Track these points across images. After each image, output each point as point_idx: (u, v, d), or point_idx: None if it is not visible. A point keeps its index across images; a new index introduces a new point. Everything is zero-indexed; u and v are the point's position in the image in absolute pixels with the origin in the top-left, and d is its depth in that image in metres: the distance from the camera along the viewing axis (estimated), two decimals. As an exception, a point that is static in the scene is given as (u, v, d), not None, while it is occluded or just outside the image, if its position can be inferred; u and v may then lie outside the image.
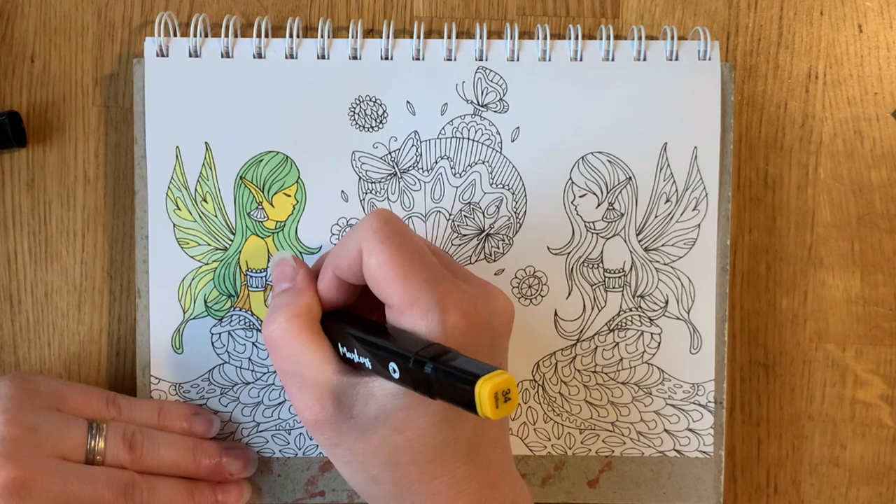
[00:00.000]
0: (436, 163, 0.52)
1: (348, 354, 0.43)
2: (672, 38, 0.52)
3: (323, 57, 0.52)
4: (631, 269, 0.52)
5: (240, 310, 0.52)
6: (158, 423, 0.50)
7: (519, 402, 0.50)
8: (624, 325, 0.53)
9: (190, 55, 0.51)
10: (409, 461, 0.42)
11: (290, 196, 0.52)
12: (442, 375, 0.37)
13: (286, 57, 0.52)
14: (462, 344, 0.41)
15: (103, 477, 0.47)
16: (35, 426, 0.46)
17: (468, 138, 0.52)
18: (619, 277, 0.53)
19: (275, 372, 0.52)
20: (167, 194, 0.51)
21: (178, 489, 0.49)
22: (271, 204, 0.52)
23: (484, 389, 0.35)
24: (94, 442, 0.48)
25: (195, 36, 0.51)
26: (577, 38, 0.52)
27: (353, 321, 0.44)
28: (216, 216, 0.52)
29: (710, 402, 0.53)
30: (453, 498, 0.42)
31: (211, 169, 0.52)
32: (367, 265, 0.42)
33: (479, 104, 0.52)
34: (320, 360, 0.43)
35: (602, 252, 0.52)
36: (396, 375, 0.40)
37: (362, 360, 0.42)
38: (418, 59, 0.52)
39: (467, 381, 0.36)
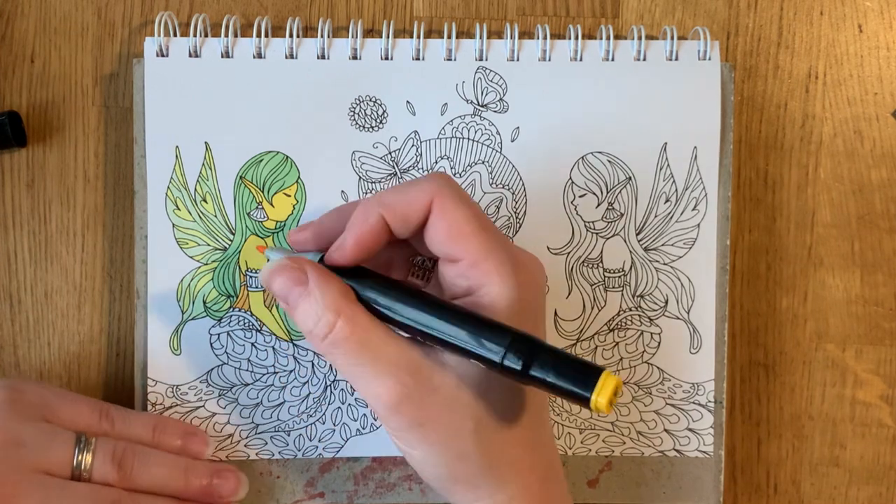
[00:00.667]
0: (436, 163, 0.52)
1: (416, 338, 0.42)
2: (672, 38, 0.52)
3: (323, 57, 0.52)
4: (631, 268, 0.52)
5: (239, 310, 0.52)
6: (152, 440, 0.49)
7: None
8: (624, 324, 0.53)
9: (190, 55, 0.51)
10: (494, 428, 0.41)
11: (290, 196, 0.52)
12: (549, 374, 0.38)
13: (286, 57, 0.52)
14: (528, 299, 0.41)
15: (87, 493, 0.46)
16: (20, 439, 0.46)
17: (468, 138, 0.52)
18: (619, 277, 0.53)
19: (275, 373, 0.52)
20: (167, 194, 0.51)
21: None
22: (271, 204, 0.52)
23: (608, 386, 0.37)
24: (82, 456, 0.46)
25: (195, 36, 0.51)
26: (577, 38, 0.52)
27: (387, 288, 0.42)
28: (216, 216, 0.52)
29: (709, 401, 0.53)
30: (531, 466, 0.42)
31: (211, 169, 0.51)
32: (442, 219, 0.41)
33: (479, 104, 0.52)
34: (383, 339, 0.41)
35: (602, 252, 0.52)
36: (480, 364, 0.40)
37: (431, 344, 0.41)
38: (418, 59, 0.52)
39: (587, 377, 0.37)
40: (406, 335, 0.42)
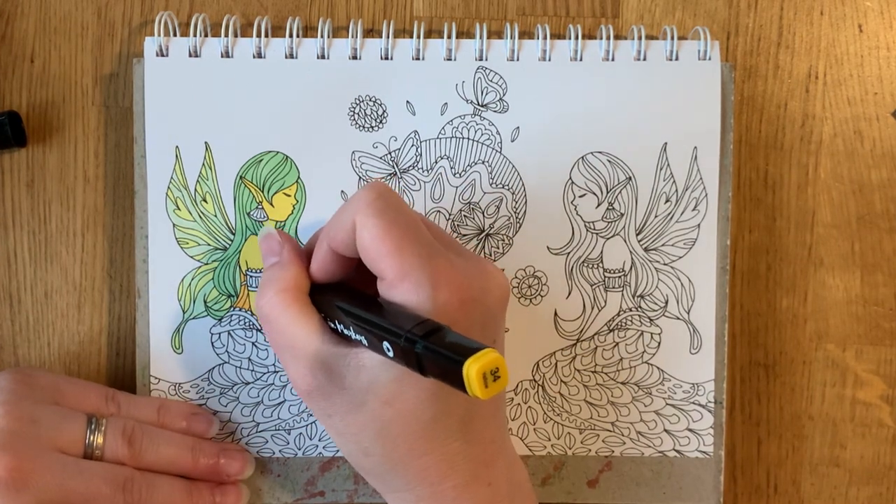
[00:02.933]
0: (436, 163, 0.52)
1: (341, 329, 0.43)
2: (672, 38, 0.52)
3: (323, 57, 0.52)
4: (631, 269, 0.52)
5: (239, 310, 0.52)
6: (158, 421, 0.50)
7: (516, 395, 0.50)
8: (624, 325, 0.53)
9: (190, 55, 0.51)
10: (398, 434, 0.42)
11: (289, 196, 0.52)
12: (432, 354, 0.37)
13: (286, 57, 0.52)
14: (453, 320, 0.40)
15: (101, 472, 0.47)
16: (34, 418, 0.46)
17: (468, 138, 0.52)
18: (619, 277, 0.53)
19: (275, 372, 0.52)
20: (167, 194, 0.51)
21: (177, 487, 0.49)
22: (271, 204, 0.52)
23: (472, 369, 0.35)
24: (93, 437, 0.47)
25: (195, 36, 0.51)
26: (577, 38, 0.52)
27: (345, 294, 0.44)
28: (216, 216, 0.52)
29: (709, 402, 0.53)
30: (444, 474, 0.42)
31: (211, 169, 0.52)
32: (361, 238, 0.42)
33: (478, 104, 0.52)
34: (309, 332, 0.43)
35: (602, 252, 0.52)
36: (390, 353, 0.39)
37: (356, 336, 0.42)
38: (418, 58, 0.52)
39: (456, 360, 0.36)
40: (354, 336, 0.42)
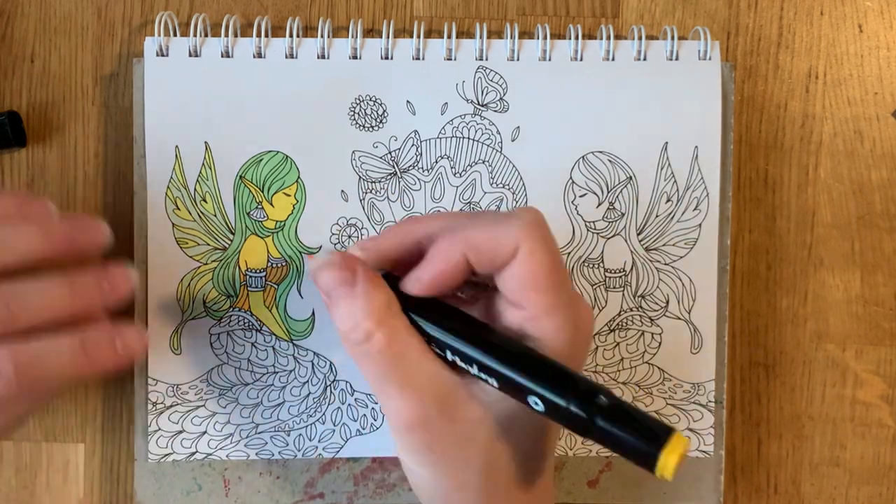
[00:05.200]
0: (436, 162, 0.52)
1: (450, 356, 0.40)
2: (672, 38, 0.52)
3: (323, 57, 0.52)
4: (632, 268, 0.52)
5: (239, 310, 0.52)
6: (20, 213, 0.43)
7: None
8: (624, 324, 0.53)
9: (190, 55, 0.51)
10: (503, 470, 0.40)
11: (289, 196, 0.52)
12: (618, 428, 0.36)
13: (286, 57, 0.52)
14: (577, 355, 0.40)
15: None
16: None
17: (468, 138, 0.52)
18: (620, 277, 0.53)
19: (275, 373, 0.52)
20: (166, 194, 0.51)
21: (66, 346, 0.42)
22: (271, 203, 0.52)
23: (671, 458, 0.35)
24: None
25: (195, 35, 0.51)
26: (577, 37, 0.52)
27: (451, 316, 0.41)
28: (215, 216, 0.52)
29: (710, 401, 0.53)
30: None
31: (210, 168, 0.51)
32: (524, 267, 0.39)
33: (479, 104, 0.52)
34: (417, 361, 0.40)
35: (602, 252, 0.52)
36: (538, 407, 0.38)
37: (485, 377, 0.39)
38: (418, 58, 0.52)
39: (650, 443, 0.36)
40: (446, 356, 0.40)
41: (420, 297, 0.41)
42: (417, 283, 0.41)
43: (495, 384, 0.39)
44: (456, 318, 0.41)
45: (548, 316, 0.39)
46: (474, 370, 0.40)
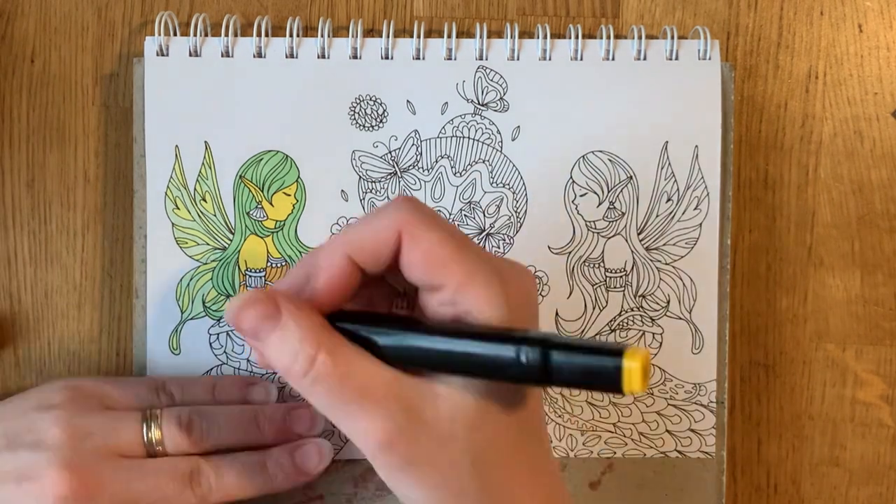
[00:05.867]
0: (436, 162, 0.52)
1: (408, 362, 0.39)
2: (672, 38, 0.52)
3: (323, 56, 0.52)
4: (632, 268, 0.52)
5: (239, 311, 0.52)
6: (214, 400, 0.49)
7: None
8: (625, 325, 0.53)
9: (190, 54, 0.51)
10: (494, 461, 0.38)
11: (289, 195, 0.52)
12: (571, 359, 0.35)
13: (286, 56, 0.52)
14: (520, 314, 0.38)
15: (165, 468, 0.46)
16: (89, 430, 0.45)
17: (468, 137, 0.52)
18: (621, 277, 0.52)
19: (274, 373, 0.52)
20: (166, 194, 0.51)
21: (249, 464, 0.47)
22: (271, 203, 0.52)
23: (634, 363, 0.34)
24: (151, 433, 0.46)
25: (195, 35, 0.51)
26: (577, 37, 0.52)
27: (371, 318, 0.40)
28: (215, 216, 0.52)
29: (711, 402, 0.53)
30: (533, 494, 0.39)
31: (210, 168, 0.51)
32: (415, 247, 0.38)
33: (479, 103, 0.52)
34: (370, 372, 0.38)
35: (603, 251, 0.52)
36: (499, 373, 0.37)
37: (434, 363, 0.38)
38: (418, 58, 0.52)
39: (612, 357, 0.34)
40: (394, 361, 0.39)
41: (353, 313, 0.40)
42: (312, 299, 0.39)
43: (447, 368, 0.38)
44: (385, 320, 0.40)
45: (469, 281, 0.37)
46: (419, 366, 0.39)
